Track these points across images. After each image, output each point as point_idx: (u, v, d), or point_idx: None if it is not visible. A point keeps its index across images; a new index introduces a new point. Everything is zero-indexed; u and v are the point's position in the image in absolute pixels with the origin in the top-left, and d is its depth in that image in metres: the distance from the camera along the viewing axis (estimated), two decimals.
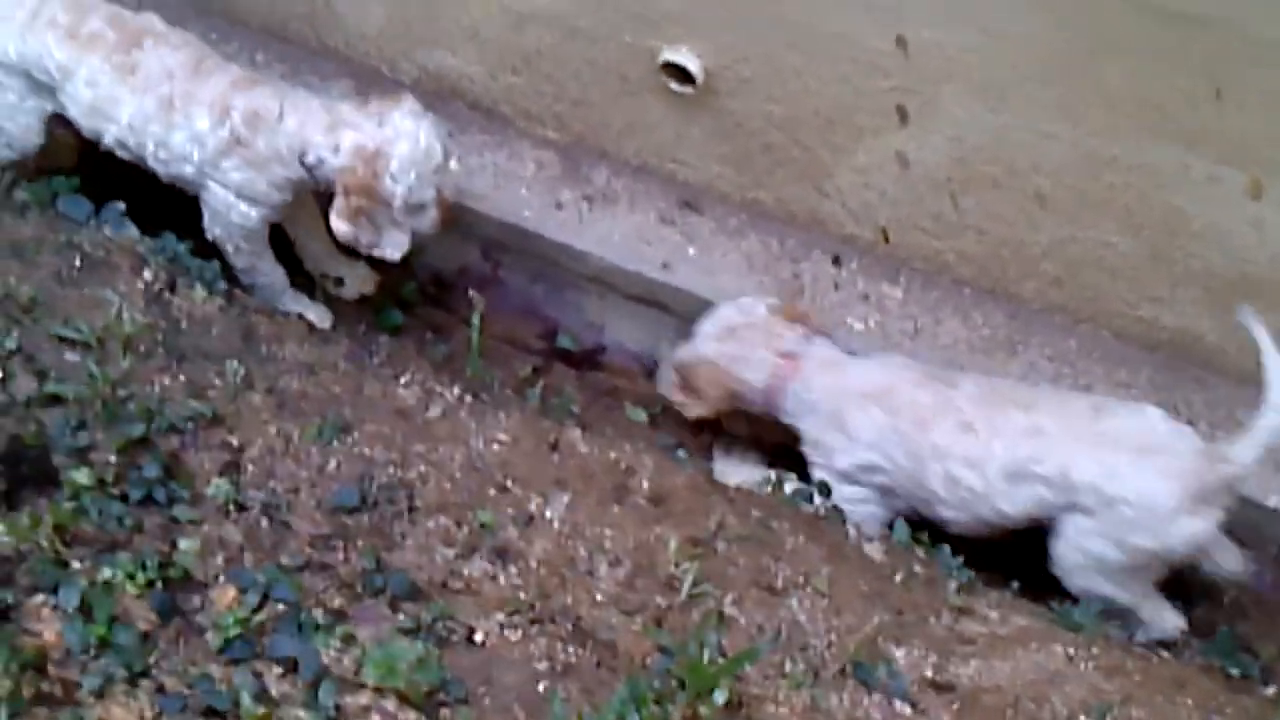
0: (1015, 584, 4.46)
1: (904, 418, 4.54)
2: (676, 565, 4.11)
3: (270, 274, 4.98)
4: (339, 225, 4.60)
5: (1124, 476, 4.24)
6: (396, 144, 4.52)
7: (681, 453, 4.93)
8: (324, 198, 4.78)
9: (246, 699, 3.53)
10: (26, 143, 4.95)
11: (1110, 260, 4.68)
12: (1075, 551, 4.37)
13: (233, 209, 4.74)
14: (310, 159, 4.58)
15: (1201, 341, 4.73)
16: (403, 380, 4.53)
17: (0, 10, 4.83)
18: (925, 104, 4.59)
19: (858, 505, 4.70)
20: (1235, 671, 4.32)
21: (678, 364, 4.90)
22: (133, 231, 4.80)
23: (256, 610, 3.76)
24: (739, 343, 4.75)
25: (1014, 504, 4.41)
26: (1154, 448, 4.27)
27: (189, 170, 4.73)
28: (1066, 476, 4.30)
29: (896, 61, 4.52)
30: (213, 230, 4.85)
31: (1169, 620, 4.45)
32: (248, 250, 4.86)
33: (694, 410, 4.91)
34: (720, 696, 3.65)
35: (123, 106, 4.71)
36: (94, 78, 4.72)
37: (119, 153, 4.83)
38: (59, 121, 4.92)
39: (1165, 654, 4.29)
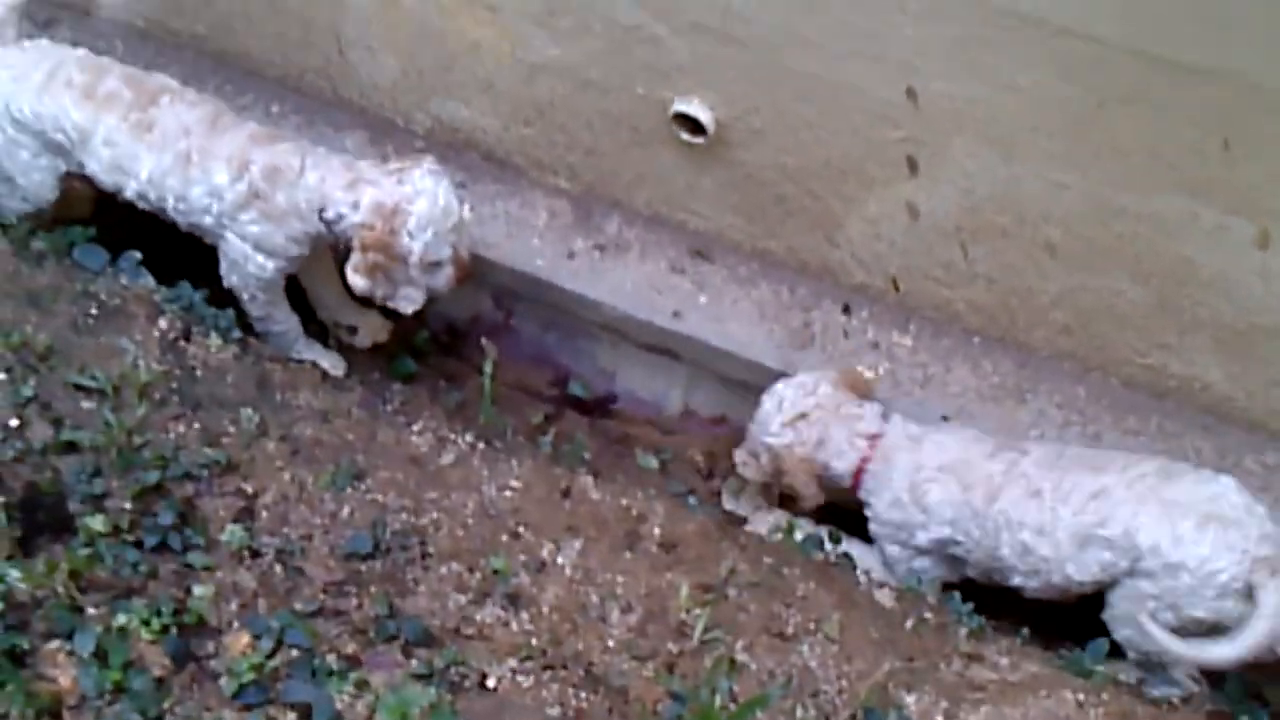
0: (1025, 630, 4.46)
1: (977, 492, 4.48)
2: (688, 612, 4.12)
3: (285, 323, 5.01)
4: (355, 280, 4.63)
5: (1187, 543, 4.16)
6: (415, 202, 4.55)
7: (692, 499, 4.95)
8: (340, 251, 4.82)
9: None
10: (40, 198, 4.98)
11: (1119, 309, 4.70)
12: (1130, 608, 4.27)
13: (250, 260, 4.77)
14: (330, 214, 4.61)
15: (1210, 389, 4.74)
16: (416, 427, 4.56)
17: (16, 70, 4.86)
18: (935, 154, 4.62)
19: (924, 574, 4.68)
20: (1245, 718, 4.32)
21: (768, 462, 4.83)
22: (148, 280, 4.82)
23: (270, 656, 3.78)
24: (815, 426, 4.72)
25: (1082, 569, 4.34)
26: (1222, 518, 4.18)
27: (208, 221, 4.76)
28: (1131, 539, 4.22)
29: (906, 112, 4.55)
30: (229, 279, 4.88)
31: (1193, 678, 4.43)
32: (264, 300, 4.89)
33: (807, 505, 4.84)
34: None
35: (141, 163, 4.75)
36: (112, 137, 4.76)
37: (139, 204, 4.87)
38: (74, 175, 4.95)
39: (1175, 700, 4.29)
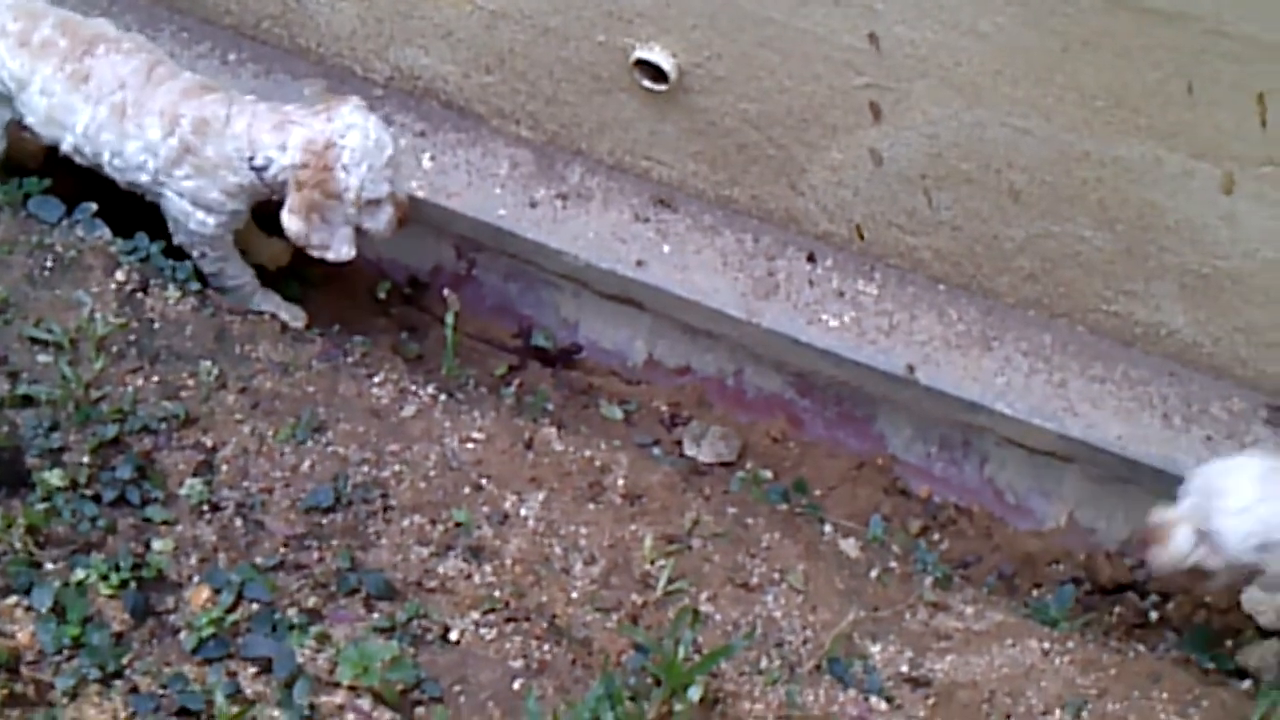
0: (991, 579, 4.46)
1: None
2: (652, 563, 4.12)
3: (238, 277, 4.93)
4: (290, 222, 4.52)
5: None
6: (347, 135, 4.46)
7: (657, 450, 4.94)
8: (275, 202, 4.71)
9: (220, 699, 3.55)
10: None
11: (1085, 255, 4.68)
12: None
13: (190, 217, 4.69)
14: (259, 160, 4.52)
15: (1176, 336, 4.74)
16: (377, 379, 4.53)
17: None
18: (898, 101, 4.59)
19: None
20: (1210, 665, 4.33)
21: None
22: (105, 232, 4.77)
23: (230, 610, 3.77)
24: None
25: None
26: None
27: (145, 178, 4.68)
28: None
29: (869, 58, 4.52)
30: (177, 237, 4.80)
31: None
32: (213, 256, 4.81)
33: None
34: (695, 693, 3.67)
35: (77, 115, 4.66)
36: (48, 86, 4.66)
37: (76, 159, 4.78)
38: (23, 126, 4.88)
39: (1140, 648, 4.30)
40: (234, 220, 4.77)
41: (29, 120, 4.75)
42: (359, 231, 4.65)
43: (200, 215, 4.68)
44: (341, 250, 4.64)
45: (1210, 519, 3.91)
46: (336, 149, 4.46)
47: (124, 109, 4.61)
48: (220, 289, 4.89)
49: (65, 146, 4.74)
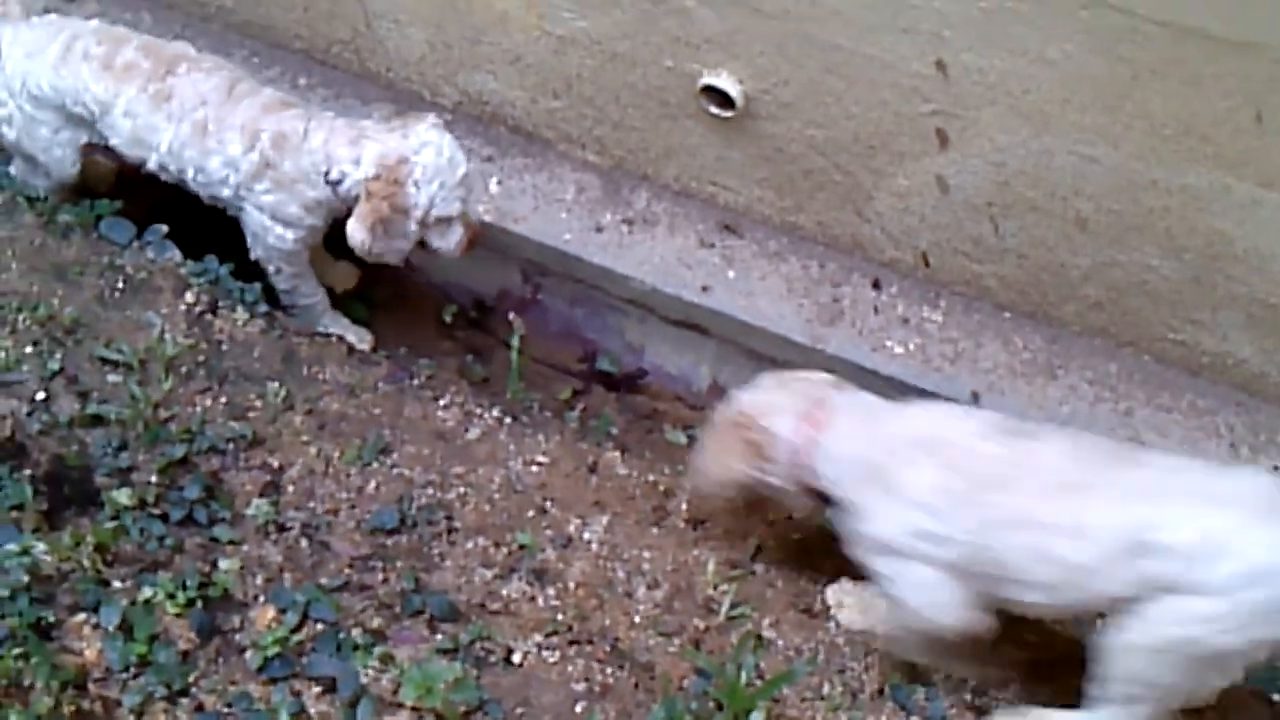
0: None
1: (971, 476, 3.63)
2: (715, 587, 4.12)
3: (312, 295, 4.98)
4: (356, 231, 4.53)
5: (1259, 549, 3.40)
6: (421, 152, 4.49)
7: None
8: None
9: (285, 718, 3.56)
10: (63, 173, 4.95)
11: (1151, 284, 4.66)
12: (1158, 636, 3.53)
13: (269, 231, 4.74)
14: (334, 175, 4.54)
15: (1243, 365, 4.71)
16: (442, 402, 4.55)
17: (30, 46, 4.81)
18: (965, 128, 4.58)
19: (923, 589, 3.76)
20: (1278, 697, 4.30)
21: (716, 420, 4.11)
22: (175, 254, 4.83)
23: (295, 630, 3.78)
24: (776, 393, 4.03)
25: (1118, 583, 3.53)
26: None
27: (226, 193, 4.72)
28: (1192, 547, 3.41)
29: (936, 85, 4.52)
30: (255, 251, 4.85)
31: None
32: (289, 272, 4.86)
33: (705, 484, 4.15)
34: (757, 718, 3.66)
35: (161, 134, 4.70)
36: (132, 108, 4.70)
37: (162, 176, 4.84)
38: (95, 148, 4.93)
39: None
40: (311, 236, 4.80)
41: (114, 142, 4.80)
42: (423, 246, 4.71)
43: (279, 230, 4.72)
44: (394, 259, 4.70)
45: None
46: (409, 165, 4.48)
47: (205, 125, 4.65)
48: (292, 306, 4.94)
49: (151, 165, 4.79)
